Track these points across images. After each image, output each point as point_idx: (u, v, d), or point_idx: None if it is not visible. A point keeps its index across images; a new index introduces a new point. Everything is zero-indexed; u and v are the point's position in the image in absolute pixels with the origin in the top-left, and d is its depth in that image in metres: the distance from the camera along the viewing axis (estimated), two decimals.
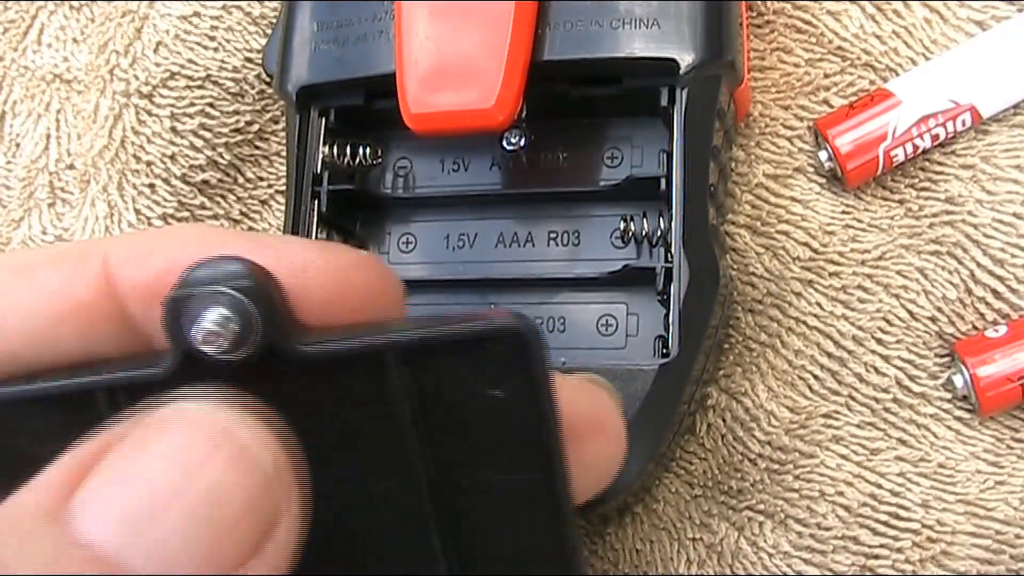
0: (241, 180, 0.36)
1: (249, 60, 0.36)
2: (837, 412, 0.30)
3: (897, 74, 0.31)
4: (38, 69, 0.39)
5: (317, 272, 0.18)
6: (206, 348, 0.15)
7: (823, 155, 0.31)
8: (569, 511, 0.18)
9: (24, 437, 0.16)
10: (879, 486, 0.29)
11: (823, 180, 0.32)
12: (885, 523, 0.29)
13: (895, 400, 0.30)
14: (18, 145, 0.39)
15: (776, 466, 0.30)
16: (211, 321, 0.15)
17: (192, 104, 0.35)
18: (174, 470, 0.14)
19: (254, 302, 0.15)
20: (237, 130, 0.36)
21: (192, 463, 0.14)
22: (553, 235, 0.31)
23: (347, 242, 0.32)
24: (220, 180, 0.36)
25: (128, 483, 0.14)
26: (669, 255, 0.28)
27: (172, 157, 0.35)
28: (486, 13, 0.28)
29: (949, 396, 0.30)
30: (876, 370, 0.30)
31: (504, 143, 0.31)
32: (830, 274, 0.31)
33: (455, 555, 0.18)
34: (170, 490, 0.14)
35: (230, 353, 0.15)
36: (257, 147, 0.36)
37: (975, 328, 0.30)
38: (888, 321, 0.30)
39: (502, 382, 0.18)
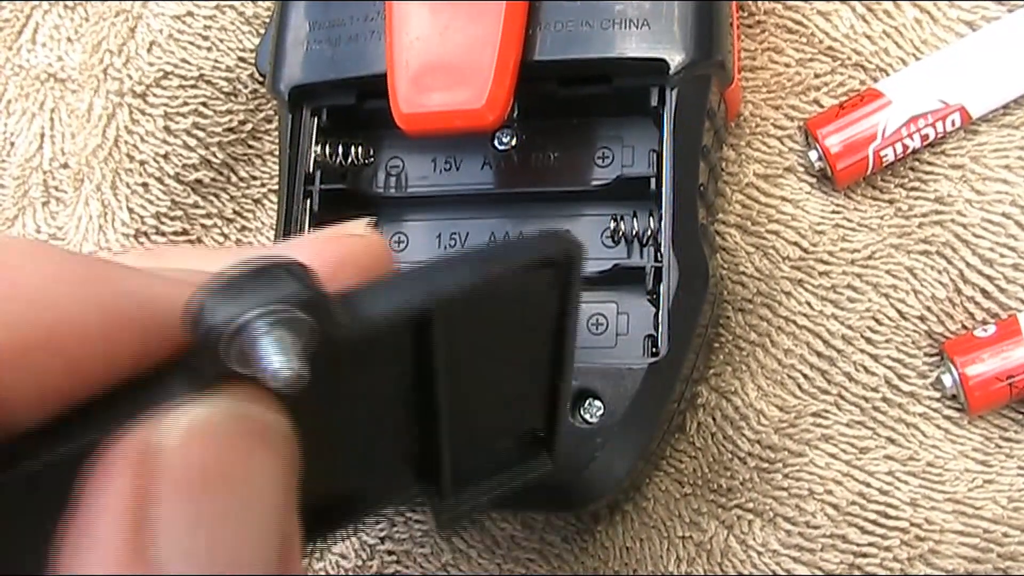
0: (234, 179, 0.36)
1: (242, 60, 0.36)
2: (826, 411, 0.30)
3: (887, 74, 0.32)
4: (32, 68, 0.39)
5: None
6: (269, 380, 0.14)
7: (813, 155, 0.31)
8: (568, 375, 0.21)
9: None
10: (868, 484, 0.29)
11: (813, 180, 0.32)
12: (874, 521, 0.29)
13: (884, 399, 0.30)
14: (12, 144, 0.39)
15: (765, 464, 0.30)
16: (277, 355, 0.13)
17: (185, 103, 0.35)
18: (231, 492, 0.14)
19: (313, 314, 0.14)
20: (230, 129, 0.36)
21: (242, 475, 0.14)
22: None
23: None
24: (213, 179, 0.36)
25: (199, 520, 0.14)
26: (659, 254, 0.28)
27: (165, 156, 0.35)
28: (477, 13, 0.28)
29: (938, 395, 0.30)
30: (865, 369, 0.30)
31: (495, 143, 0.31)
32: (820, 273, 0.31)
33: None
34: (233, 514, 0.14)
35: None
36: (250, 146, 0.36)
37: (964, 327, 0.30)
38: (877, 320, 0.30)
39: (533, 289, 0.19)
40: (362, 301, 0.15)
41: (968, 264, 0.30)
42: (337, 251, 0.17)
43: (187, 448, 0.14)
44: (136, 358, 0.14)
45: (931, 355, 0.30)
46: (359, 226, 0.19)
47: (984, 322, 0.30)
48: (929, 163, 0.31)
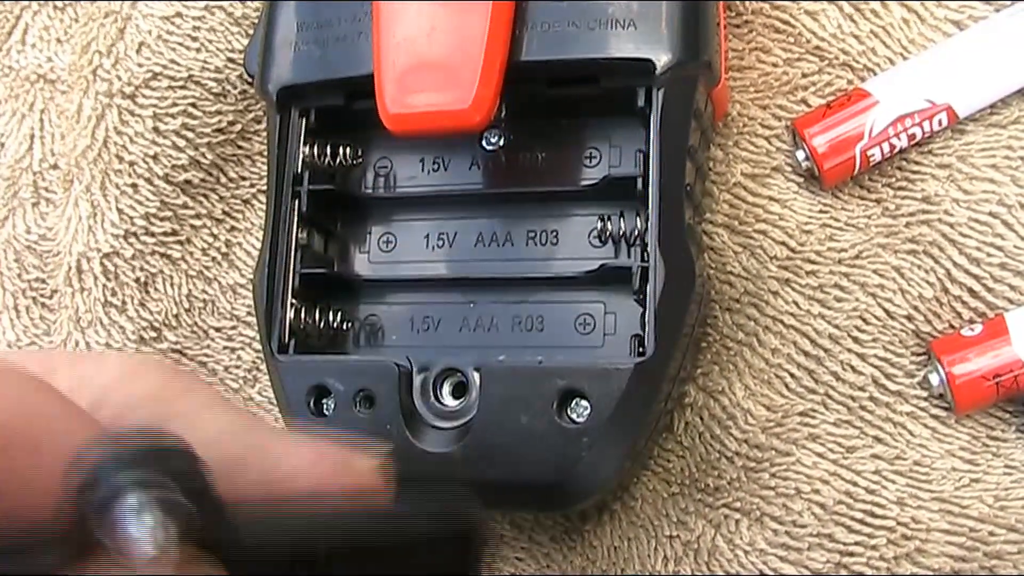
0: (223, 180, 0.36)
1: (231, 60, 0.36)
2: (814, 410, 0.30)
3: (874, 74, 0.32)
4: (22, 69, 0.39)
5: (302, 485, 0.17)
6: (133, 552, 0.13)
7: (800, 154, 0.31)
8: None
9: None
10: (855, 484, 0.29)
11: (800, 179, 0.32)
12: (860, 520, 0.29)
13: (871, 398, 0.30)
14: (2, 145, 0.39)
15: (753, 464, 0.30)
16: (139, 530, 0.13)
17: (174, 104, 0.35)
18: None
19: (195, 504, 0.13)
20: (219, 130, 0.36)
21: None
22: (532, 234, 0.31)
23: (328, 242, 0.32)
24: (202, 180, 0.36)
25: None
26: (645, 254, 0.28)
27: (155, 157, 0.35)
28: (463, 14, 0.28)
29: (925, 394, 0.30)
30: (853, 368, 0.30)
31: (483, 143, 0.31)
32: (807, 273, 0.31)
33: None
34: None
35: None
36: (239, 147, 0.36)
37: (951, 327, 0.30)
38: (865, 320, 0.30)
39: None
40: (253, 519, 0.15)
41: (955, 263, 0.30)
42: (326, 472, 0.18)
43: None
44: None
45: (918, 354, 0.30)
46: (368, 465, 0.19)
47: (971, 321, 0.30)
48: (916, 163, 0.31)
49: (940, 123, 0.30)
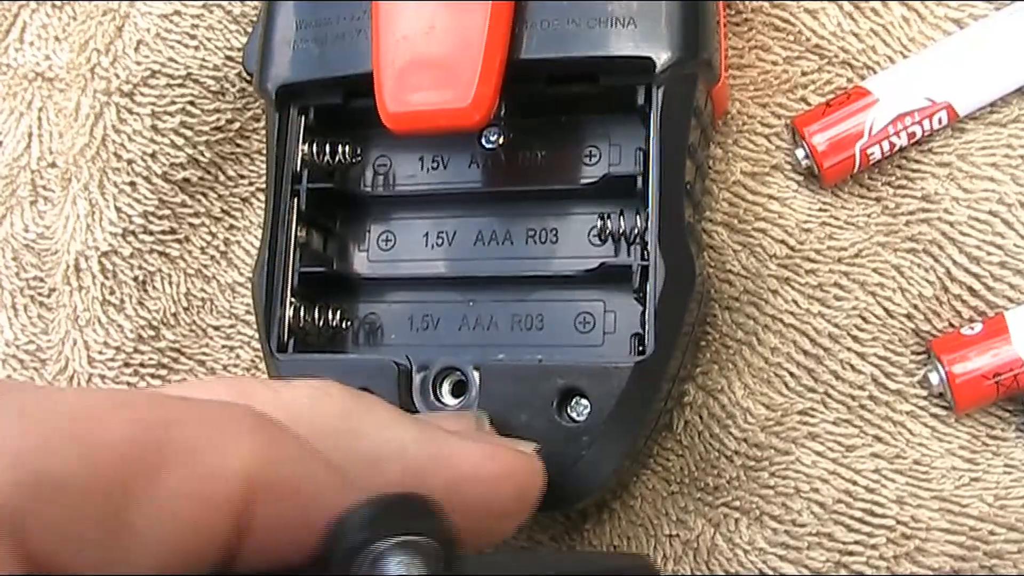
0: (222, 178, 0.36)
1: (230, 58, 0.36)
2: (813, 409, 0.30)
3: (874, 72, 0.32)
4: (20, 67, 0.39)
5: (480, 483, 0.20)
6: None
7: (800, 153, 0.31)
8: None
9: None
10: (854, 483, 0.29)
11: (800, 178, 0.32)
12: (860, 519, 0.29)
13: (871, 397, 0.30)
14: (0, 143, 0.39)
15: (752, 463, 0.30)
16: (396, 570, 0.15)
17: (173, 102, 0.35)
18: None
19: (440, 546, 0.15)
20: (218, 128, 0.36)
21: None
22: (531, 233, 0.31)
23: (327, 240, 0.32)
24: (201, 178, 0.36)
25: None
26: (645, 253, 0.28)
27: (153, 155, 0.35)
28: (463, 12, 0.28)
29: (925, 393, 0.30)
30: (852, 367, 0.30)
31: (483, 141, 0.31)
32: (807, 271, 0.31)
33: None
34: None
35: None
36: (238, 145, 0.36)
37: (951, 325, 0.30)
38: (864, 319, 0.30)
39: None
40: (484, 563, 0.17)
41: (955, 262, 0.30)
42: (500, 466, 0.20)
43: None
44: None
45: (918, 353, 0.30)
46: (528, 446, 0.23)
47: (971, 320, 0.30)
48: (916, 161, 0.31)
49: (940, 121, 0.30)
